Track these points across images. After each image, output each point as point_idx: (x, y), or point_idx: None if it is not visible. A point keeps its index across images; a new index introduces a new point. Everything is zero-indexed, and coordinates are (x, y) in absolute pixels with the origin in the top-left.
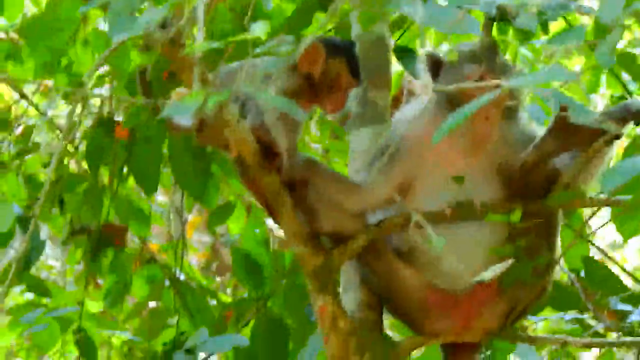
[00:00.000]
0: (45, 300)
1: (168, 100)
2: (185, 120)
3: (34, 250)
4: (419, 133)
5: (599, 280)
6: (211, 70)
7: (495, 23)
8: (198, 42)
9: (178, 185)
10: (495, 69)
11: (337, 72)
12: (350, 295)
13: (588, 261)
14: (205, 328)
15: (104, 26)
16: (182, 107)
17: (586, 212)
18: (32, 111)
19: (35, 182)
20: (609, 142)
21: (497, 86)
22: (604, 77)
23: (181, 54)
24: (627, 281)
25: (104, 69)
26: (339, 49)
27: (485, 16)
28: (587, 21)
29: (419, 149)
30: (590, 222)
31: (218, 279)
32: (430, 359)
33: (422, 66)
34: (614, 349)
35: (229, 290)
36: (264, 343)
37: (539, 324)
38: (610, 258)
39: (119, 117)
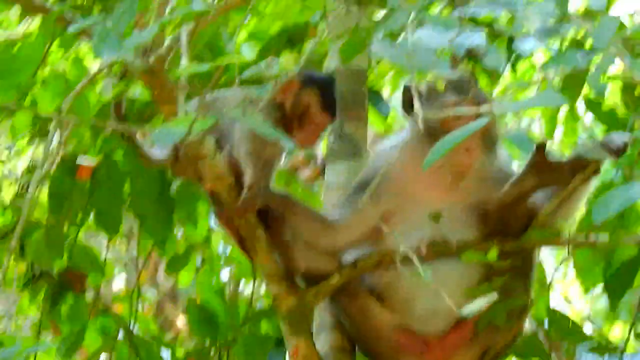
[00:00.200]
0: None
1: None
2: (159, 153)
3: None
4: (397, 168)
5: (562, 330)
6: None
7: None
8: (183, 66)
9: (141, 228)
10: (474, 99)
11: (308, 103)
12: (323, 338)
13: (552, 312)
14: None
15: (63, 68)
16: (168, 133)
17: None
18: None
19: None
20: (587, 179)
21: (485, 113)
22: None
23: (162, 82)
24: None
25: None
26: (314, 81)
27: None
28: None
29: (397, 185)
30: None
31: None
32: None
33: (399, 99)
34: None
35: None
36: None
37: None
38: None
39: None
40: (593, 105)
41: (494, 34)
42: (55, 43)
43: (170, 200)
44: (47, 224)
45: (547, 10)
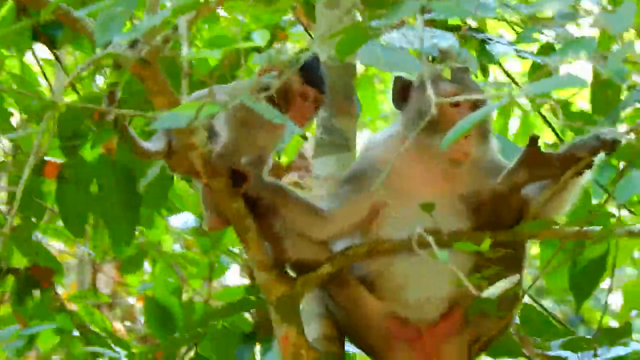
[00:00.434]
0: None
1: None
2: (154, 145)
3: None
4: (388, 158)
5: (534, 325)
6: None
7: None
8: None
9: (106, 228)
10: (468, 88)
11: (290, 81)
12: (312, 327)
13: (524, 307)
14: None
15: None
16: (176, 116)
17: None
18: None
19: None
20: (580, 173)
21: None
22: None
23: (155, 73)
24: None
25: None
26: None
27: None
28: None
29: (388, 175)
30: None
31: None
32: None
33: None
34: None
35: None
36: None
37: None
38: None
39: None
40: (563, 107)
41: (465, 38)
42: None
43: (137, 200)
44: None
45: None
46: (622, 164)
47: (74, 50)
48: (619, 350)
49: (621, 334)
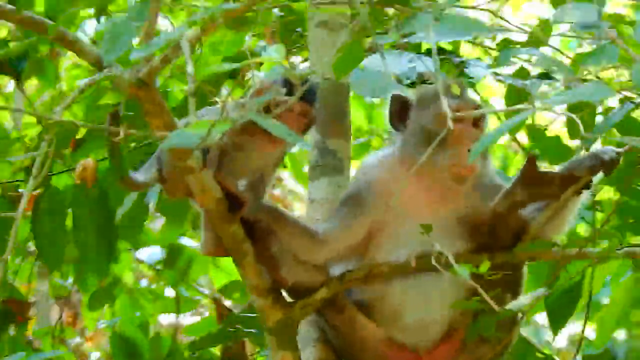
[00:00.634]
0: None
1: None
2: (143, 175)
3: None
4: (386, 178)
5: (515, 351)
6: (181, 117)
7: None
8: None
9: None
10: (469, 103)
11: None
12: (309, 352)
13: None
14: None
15: None
16: (188, 135)
17: None
18: None
19: None
20: (579, 192)
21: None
22: None
23: (152, 95)
24: None
25: None
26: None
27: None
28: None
29: (385, 197)
30: None
31: None
32: None
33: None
34: None
35: None
36: None
37: None
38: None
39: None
40: (535, 132)
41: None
42: None
43: (112, 230)
44: None
45: (586, 7)
46: None
47: (39, 81)
48: None
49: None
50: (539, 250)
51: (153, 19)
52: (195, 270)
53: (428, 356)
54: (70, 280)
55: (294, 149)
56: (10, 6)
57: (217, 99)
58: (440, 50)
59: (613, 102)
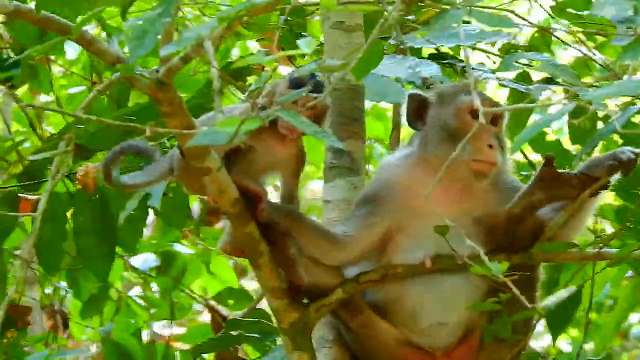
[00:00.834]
0: None
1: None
2: (134, 178)
3: None
4: (404, 181)
5: None
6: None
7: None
8: (214, 74)
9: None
10: (488, 100)
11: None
12: (324, 353)
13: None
14: None
15: None
16: (221, 132)
17: None
18: None
19: None
20: (596, 193)
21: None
22: None
23: (171, 96)
24: None
25: None
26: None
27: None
28: None
29: (403, 198)
30: None
31: None
32: None
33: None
34: None
35: None
36: None
37: None
38: None
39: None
40: (536, 139)
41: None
42: None
43: (113, 235)
44: None
45: (621, 2)
46: None
47: (34, 88)
48: None
49: None
50: (557, 251)
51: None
52: (189, 278)
53: (445, 358)
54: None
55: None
56: (27, 6)
57: (239, 96)
58: (443, 56)
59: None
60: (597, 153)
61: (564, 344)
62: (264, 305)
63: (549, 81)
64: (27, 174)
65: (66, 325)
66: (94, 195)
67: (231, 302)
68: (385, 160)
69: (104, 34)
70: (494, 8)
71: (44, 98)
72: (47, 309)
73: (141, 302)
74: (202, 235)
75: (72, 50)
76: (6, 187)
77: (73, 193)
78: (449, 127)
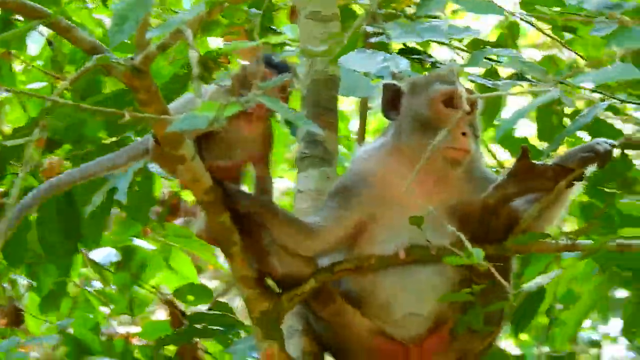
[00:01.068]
0: None
1: None
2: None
3: None
4: (378, 168)
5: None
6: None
7: None
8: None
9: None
10: (461, 87)
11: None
12: (294, 343)
13: None
14: None
15: None
16: (197, 117)
17: None
18: None
19: None
20: (571, 184)
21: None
22: None
23: (147, 84)
24: None
25: None
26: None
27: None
28: None
29: (377, 188)
30: None
31: None
32: None
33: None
34: None
35: None
36: None
37: None
38: None
39: None
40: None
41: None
42: None
43: (77, 229)
44: None
45: None
46: None
47: None
48: None
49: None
50: (531, 241)
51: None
52: (149, 273)
53: (416, 349)
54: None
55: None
56: None
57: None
58: (412, 51)
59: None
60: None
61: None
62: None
63: (517, 78)
64: None
65: (20, 322)
66: None
67: (191, 297)
68: (359, 150)
69: None
70: None
71: None
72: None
73: (99, 297)
74: (163, 231)
75: (34, 45)
76: None
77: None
78: (422, 116)
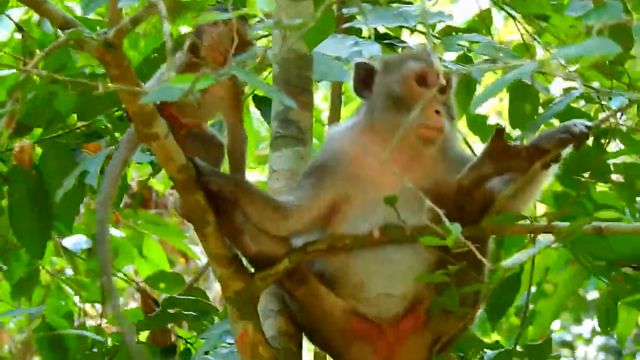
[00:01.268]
0: None
1: None
2: None
3: None
4: (351, 147)
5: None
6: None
7: None
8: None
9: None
10: (434, 65)
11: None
12: (269, 323)
13: None
14: None
15: None
16: (171, 89)
17: None
18: None
19: None
20: (547, 166)
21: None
22: None
23: (119, 59)
24: None
25: None
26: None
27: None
28: None
29: (350, 167)
30: None
31: None
32: None
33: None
34: None
35: None
36: None
37: None
38: None
39: None
40: (475, 122)
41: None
42: None
43: (49, 212)
44: None
45: None
46: None
47: None
48: None
49: (544, 349)
50: (507, 222)
51: None
52: (121, 261)
53: (391, 329)
54: None
55: None
56: None
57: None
58: (383, 36)
59: (556, 92)
60: None
61: None
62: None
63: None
64: None
65: None
66: (29, 171)
67: (162, 285)
68: (332, 129)
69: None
70: None
71: None
72: None
73: (71, 284)
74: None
75: (4, 32)
76: None
77: (8, 170)
78: (395, 94)
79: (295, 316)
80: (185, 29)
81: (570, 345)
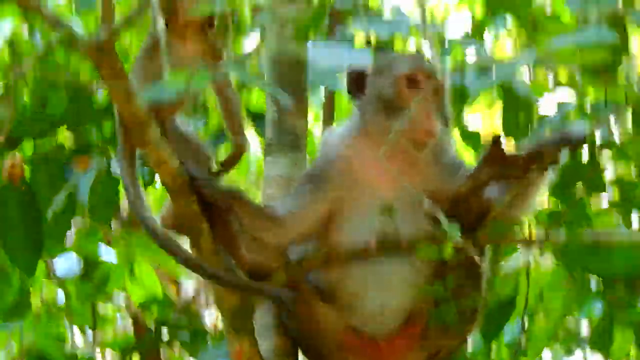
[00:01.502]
0: None
1: None
2: None
3: None
4: (345, 153)
5: None
6: None
7: None
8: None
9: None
10: (425, 68)
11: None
12: (264, 340)
13: None
14: None
15: None
16: (167, 88)
17: None
18: None
19: None
20: (544, 171)
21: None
22: None
23: (112, 60)
24: None
25: None
26: None
27: None
28: None
29: (346, 175)
30: None
31: None
32: None
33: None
34: None
35: None
36: None
37: None
38: None
39: None
40: (467, 134)
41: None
42: None
43: (41, 229)
44: None
45: None
46: None
47: None
48: None
49: None
50: (504, 233)
51: None
52: (112, 285)
53: (388, 344)
54: None
55: None
56: None
57: None
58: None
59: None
60: None
61: None
62: None
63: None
64: None
65: None
66: (20, 186)
67: (155, 309)
68: (326, 134)
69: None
70: None
71: None
72: None
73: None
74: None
75: None
76: None
77: None
78: (386, 97)
79: (293, 332)
80: None
81: None
